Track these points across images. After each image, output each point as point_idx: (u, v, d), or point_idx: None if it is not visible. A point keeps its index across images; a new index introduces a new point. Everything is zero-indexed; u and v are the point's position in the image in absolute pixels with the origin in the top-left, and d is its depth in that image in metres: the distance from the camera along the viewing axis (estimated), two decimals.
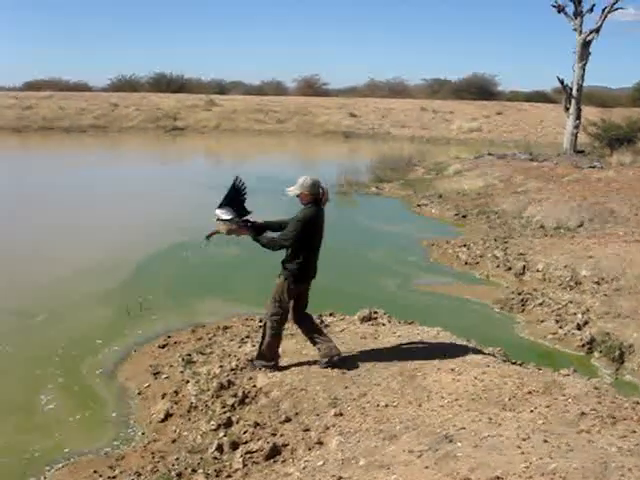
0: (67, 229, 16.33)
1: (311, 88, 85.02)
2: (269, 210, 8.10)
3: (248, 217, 7.29)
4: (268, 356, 7.43)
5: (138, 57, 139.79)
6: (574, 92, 28.50)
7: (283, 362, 7.45)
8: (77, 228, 16.43)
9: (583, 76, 28.57)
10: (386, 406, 6.27)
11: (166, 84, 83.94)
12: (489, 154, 29.47)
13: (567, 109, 29.03)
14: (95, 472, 6.11)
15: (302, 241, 7.03)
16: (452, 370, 6.90)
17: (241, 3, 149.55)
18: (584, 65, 28.39)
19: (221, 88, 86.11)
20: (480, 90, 78.09)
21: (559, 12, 28.86)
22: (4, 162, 32.27)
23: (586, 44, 28.18)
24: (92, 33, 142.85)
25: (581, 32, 28.15)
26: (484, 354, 7.56)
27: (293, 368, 7.28)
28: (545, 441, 5.03)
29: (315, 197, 7.09)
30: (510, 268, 12.87)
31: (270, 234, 7.28)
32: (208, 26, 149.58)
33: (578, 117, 28.67)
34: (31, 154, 38.00)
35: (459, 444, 5.14)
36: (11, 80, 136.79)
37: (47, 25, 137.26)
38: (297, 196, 7.14)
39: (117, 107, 55.01)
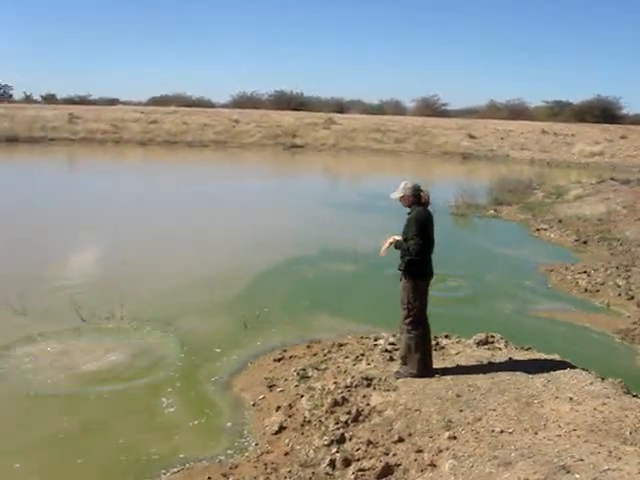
0: (187, 240, 16.89)
1: (430, 108, 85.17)
2: (386, 227, 8.16)
3: None
4: (410, 363, 7.64)
5: (258, 74, 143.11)
6: None
7: (398, 382, 7.45)
8: (197, 240, 17.00)
9: None
10: (501, 432, 6.17)
11: (286, 102, 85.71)
12: (612, 179, 28.70)
13: None
14: (209, 479, 6.24)
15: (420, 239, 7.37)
16: (570, 399, 6.74)
17: (362, 24, 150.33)
18: None
19: (340, 107, 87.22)
20: (603, 113, 76.40)
21: None
22: (130, 173, 33.57)
23: None
24: (215, 50, 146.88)
25: None
26: (604, 385, 7.33)
27: (407, 388, 7.26)
28: None
29: (417, 199, 7.54)
30: (633, 297, 12.46)
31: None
32: (328, 43, 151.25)
33: None
34: (157, 167, 39.31)
35: (577, 475, 5.02)
36: (138, 95, 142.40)
37: (172, 43, 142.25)
38: (400, 200, 7.64)
39: (238, 123, 56.36)
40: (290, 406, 7.46)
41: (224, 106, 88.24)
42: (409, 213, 7.55)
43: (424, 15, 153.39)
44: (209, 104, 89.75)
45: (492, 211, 23.19)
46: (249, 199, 25.17)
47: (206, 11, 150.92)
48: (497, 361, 8.11)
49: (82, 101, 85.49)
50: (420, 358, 7.57)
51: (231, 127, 55.04)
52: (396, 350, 8.59)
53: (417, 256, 7.34)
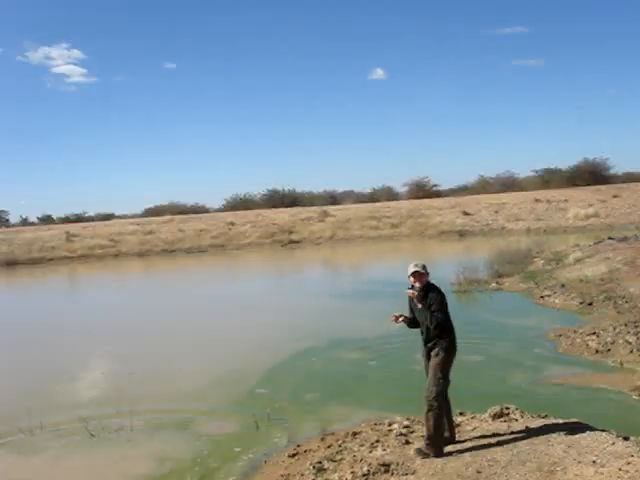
0: (191, 344, 16.94)
1: (422, 190, 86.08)
2: (392, 311, 8.17)
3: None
4: (435, 439, 7.52)
5: (250, 175, 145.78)
6: None
7: (416, 464, 7.29)
8: (201, 343, 17.03)
9: None
10: None
11: (279, 199, 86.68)
12: (609, 238, 28.76)
13: None
14: None
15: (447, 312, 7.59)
16: (594, 462, 6.58)
17: (348, 114, 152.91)
18: None
19: (333, 199, 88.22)
20: (593, 175, 77.36)
21: None
22: (137, 284, 33.73)
23: None
24: (205, 159, 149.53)
25: None
26: (626, 444, 7.16)
27: (426, 470, 7.09)
28: None
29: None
30: None
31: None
32: (317, 140, 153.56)
33: None
34: (156, 276, 39.47)
35: None
36: (132, 207, 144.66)
37: (164, 156, 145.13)
38: (415, 276, 7.71)
39: (234, 225, 56.82)
40: None
41: (219, 210, 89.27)
42: (421, 290, 7.61)
43: (406, 101, 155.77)
44: (204, 210, 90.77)
45: (494, 284, 23.13)
46: (251, 298, 25.18)
47: (193, 122, 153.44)
48: (514, 432, 7.96)
49: (78, 219, 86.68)
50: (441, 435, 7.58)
51: (227, 230, 55.47)
52: (411, 433, 8.47)
53: (437, 328, 7.49)
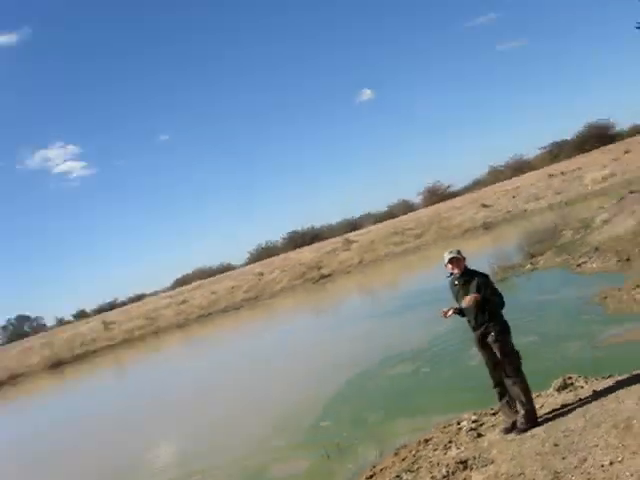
0: (248, 397, 17.16)
1: (436, 195, 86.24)
2: (433, 317, 8.16)
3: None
4: (532, 411, 7.64)
5: (267, 223, 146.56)
6: None
7: (492, 454, 7.20)
8: (257, 393, 17.23)
9: None
10: (611, 464, 5.91)
11: (300, 238, 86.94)
12: (631, 192, 28.46)
13: None
14: None
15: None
16: None
17: (347, 141, 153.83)
18: None
19: (353, 225, 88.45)
20: (600, 138, 76.95)
21: None
22: (180, 356, 33.92)
23: None
24: (219, 220, 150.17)
25: None
26: None
27: (504, 456, 6.99)
28: None
29: None
30: None
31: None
32: (324, 173, 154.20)
33: None
34: (196, 344, 39.66)
35: None
36: (161, 282, 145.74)
37: (181, 225, 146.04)
38: (452, 263, 7.86)
39: (263, 275, 57.08)
40: None
41: (245, 264, 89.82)
42: (462, 277, 7.81)
43: (400, 115, 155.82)
44: (230, 267, 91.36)
45: (529, 265, 22.90)
46: (293, 341, 25.25)
47: (203, 189, 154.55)
48: (583, 399, 7.87)
49: (111, 306, 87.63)
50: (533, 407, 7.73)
51: (257, 281, 55.69)
52: (481, 426, 8.42)
53: (502, 308, 7.71)
